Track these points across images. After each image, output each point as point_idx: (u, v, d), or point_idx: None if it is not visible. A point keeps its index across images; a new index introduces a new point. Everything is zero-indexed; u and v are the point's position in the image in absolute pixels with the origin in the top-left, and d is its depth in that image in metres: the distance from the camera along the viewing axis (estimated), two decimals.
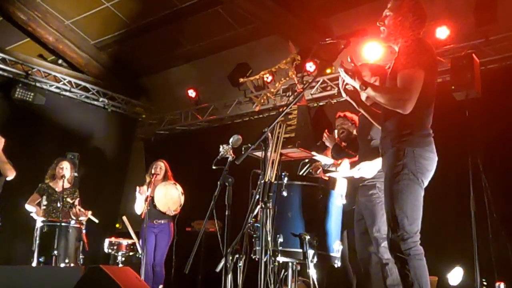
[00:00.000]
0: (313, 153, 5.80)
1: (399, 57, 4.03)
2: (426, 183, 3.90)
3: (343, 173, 5.28)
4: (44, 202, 8.59)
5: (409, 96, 3.80)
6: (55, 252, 7.79)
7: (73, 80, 12.17)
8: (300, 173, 6.09)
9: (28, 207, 8.55)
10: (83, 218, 8.52)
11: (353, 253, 5.70)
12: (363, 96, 4.51)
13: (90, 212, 8.72)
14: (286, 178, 4.66)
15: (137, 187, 8.83)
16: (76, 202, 8.76)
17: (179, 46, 12.06)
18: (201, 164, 11.09)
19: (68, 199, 8.60)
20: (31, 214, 8.49)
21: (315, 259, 4.52)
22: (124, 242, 8.75)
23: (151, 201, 8.49)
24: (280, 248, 4.47)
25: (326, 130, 6.67)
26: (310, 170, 6.26)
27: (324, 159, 6.18)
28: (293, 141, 9.46)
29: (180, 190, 8.66)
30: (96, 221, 8.88)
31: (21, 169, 8.03)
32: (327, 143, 6.62)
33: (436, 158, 3.95)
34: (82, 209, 8.66)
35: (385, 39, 4.20)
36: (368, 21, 4.22)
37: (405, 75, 3.86)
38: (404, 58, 3.93)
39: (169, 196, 8.63)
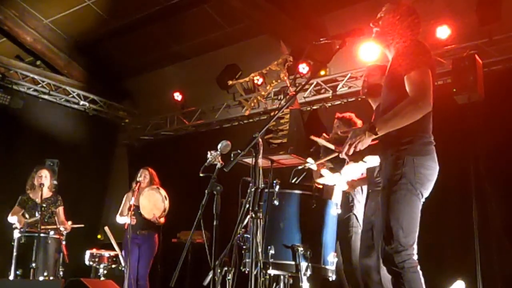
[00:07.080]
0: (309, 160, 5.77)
1: (396, 58, 4.04)
2: (426, 193, 3.90)
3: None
4: (26, 216, 8.53)
5: (424, 96, 3.76)
6: (34, 264, 7.77)
7: (52, 82, 12.13)
8: (293, 181, 6.07)
9: (11, 219, 8.46)
10: (62, 229, 8.48)
11: (347, 265, 5.70)
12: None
13: (70, 223, 8.71)
14: (277, 186, 4.64)
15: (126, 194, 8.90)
16: (61, 210, 8.75)
17: (164, 46, 12.06)
18: (188, 172, 11.03)
19: (52, 208, 8.61)
20: (14, 225, 8.38)
21: (309, 272, 4.50)
22: (106, 254, 8.75)
23: (136, 210, 8.45)
24: (271, 260, 4.45)
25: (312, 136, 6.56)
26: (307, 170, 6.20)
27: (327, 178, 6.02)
28: (285, 146, 9.45)
29: (163, 194, 8.59)
30: (81, 225, 8.94)
31: None
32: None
33: (438, 167, 3.94)
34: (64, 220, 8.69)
35: (378, 39, 4.23)
36: (364, 20, 4.23)
37: (413, 77, 3.81)
38: (404, 59, 3.92)
39: (152, 202, 8.57)
